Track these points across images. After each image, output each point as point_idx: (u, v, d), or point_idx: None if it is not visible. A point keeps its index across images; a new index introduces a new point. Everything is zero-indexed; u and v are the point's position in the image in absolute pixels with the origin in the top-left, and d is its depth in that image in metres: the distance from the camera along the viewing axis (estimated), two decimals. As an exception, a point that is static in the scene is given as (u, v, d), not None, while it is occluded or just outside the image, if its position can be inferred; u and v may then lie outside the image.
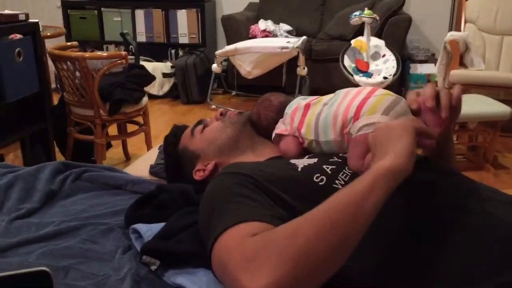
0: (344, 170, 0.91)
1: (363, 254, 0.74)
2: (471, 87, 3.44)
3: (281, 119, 1.10)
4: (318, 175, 0.89)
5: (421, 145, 0.83)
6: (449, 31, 3.89)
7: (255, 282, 0.64)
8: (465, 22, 3.87)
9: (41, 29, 2.64)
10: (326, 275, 0.68)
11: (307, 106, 1.05)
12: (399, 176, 0.73)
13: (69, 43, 3.16)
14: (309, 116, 1.03)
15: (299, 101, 1.10)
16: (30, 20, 2.50)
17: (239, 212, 0.79)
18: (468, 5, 3.89)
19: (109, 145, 3.14)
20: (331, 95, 1.04)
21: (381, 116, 0.90)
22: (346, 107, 0.95)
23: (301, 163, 0.95)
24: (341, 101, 0.98)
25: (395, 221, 0.80)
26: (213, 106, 4.36)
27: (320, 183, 0.88)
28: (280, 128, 1.08)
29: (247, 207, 0.81)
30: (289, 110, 1.09)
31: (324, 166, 0.92)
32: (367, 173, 0.73)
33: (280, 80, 4.32)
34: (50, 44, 2.95)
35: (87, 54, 2.74)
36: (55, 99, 3.15)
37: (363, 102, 0.94)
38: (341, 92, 1.02)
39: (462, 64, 3.61)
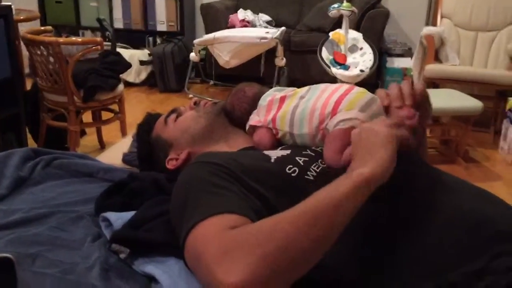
0: (316, 162, 0.92)
1: (334, 247, 0.75)
2: (445, 81, 3.50)
3: (255, 110, 1.10)
4: (291, 166, 0.90)
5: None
6: (425, 26, 3.94)
7: (230, 276, 0.65)
8: (441, 17, 3.92)
9: (14, 13, 2.58)
10: (301, 272, 0.70)
11: (283, 98, 1.05)
12: (377, 184, 0.76)
13: (43, 28, 3.10)
14: (284, 108, 1.03)
15: (273, 93, 1.10)
16: (2, 3, 2.44)
17: (216, 203, 0.79)
18: (445, 0, 3.94)
19: (83, 133, 3.09)
20: (306, 88, 1.05)
21: (358, 112, 0.92)
22: (324, 102, 0.96)
23: (274, 154, 0.96)
24: (318, 96, 0.99)
25: (367, 214, 0.81)
26: (191, 95, 4.33)
27: (292, 174, 0.89)
28: (254, 119, 1.08)
29: (223, 198, 0.81)
30: (263, 101, 1.09)
31: (296, 158, 0.93)
32: (348, 177, 0.76)
33: (258, 71, 4.32)
34: (23, 28, 2.88)
35: (61, 39, 2.69)
36: (28, 85, 3.08)
37: (341, 98, 0.95)
38: (318, 87, 1.03)
39: (437, 59, 3.66)
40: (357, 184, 0.74)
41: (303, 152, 0.95)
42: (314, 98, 0.99)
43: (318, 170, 0.90)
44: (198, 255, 0.73)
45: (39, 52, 2.65)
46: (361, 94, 0.96)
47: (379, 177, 0.76)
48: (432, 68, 3.50)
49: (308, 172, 0.89)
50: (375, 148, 0.79)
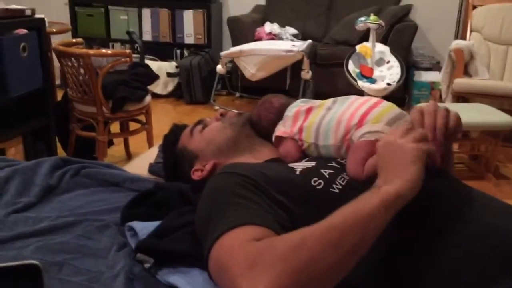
0: (341, 175, 0.91)
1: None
2: (475, 96, 3.44)
3: (281, 121, 1.10)
4: (316, 178, 0.89)
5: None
6: (454, 40, 3.89)
7: None
8: (471, 31, 3.86)
9: (47, 25, 2.65)
10: (327, 287, 0.69)
11: (309, 110, 1.05)
12: (404, 201, 0.75)
13: (74, 40, 3.17)
14: (311, 119, 1.03)
15: (299, 104, 1.10)
16: (36, 16, 2.51)
17: (241, 214, 0.79)
18: (475, 14, 3.88)
19: (111, 143, 3.14)
20: (333, 99, 1.05)
21: (385, 126, 0.91)
22: (351, 114, 0.96)
23: (299, 166, 0.95)
24: (346, 108, 0.99)
25: (391, 229, 0.80)
26: (216, 107, 4.36)
27: (317, 187, 0.88)
28: (280, 130, 1.08)
29: (249, 209, 0.80)
30: (289, 112, 1.09)
31: (322, 170, 0.92)
32: (375, 194, 0.75)
33: (284, 83, 4.32)
34: (55, 40, 2.96)
35: (91, 51, 2.75)
36: (59, 95, 3.16)
37: (368, 111, 0.95)
38: (346, 100, 1.02)
39: (466, 73, 3.60)
40: (385, 202, 0.73)
41: (328, 164, 0.95)
42: (342, 110, 0.99)
43: (343, 183, 0.89)
44: (222, 266, 0.72)
45: (70, 64, 2.72)
46: (389, 108, 0.95)
47: (407, 194, 0.75)
48: (461, 82, 3.44)
49: (334, 185, 0.88)
50: (403, 165, 0.78)
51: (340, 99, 1.04)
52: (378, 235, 0.72)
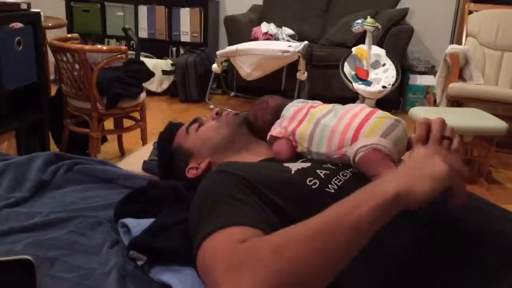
0: (337, 176, 0.91)
1: (357, 271, 0.72)
2: (469, 100, 3.45)
3: (277, 121, 1.10)
4: (311, 178, 0.89)
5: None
6: (450, 44, 3.90)
7: None
8: (467, 36, 3.88)
9: (42, 20, 2.64)
10: None
11: (306, 113, 1.05)
12: (404, 205, 0.69)
13: (70, 35, 3.16)
14: (305, 124, 1.03)
15: (296, 104, 1.10)
16: (32, 10, 2.49)
17: (230, 215, 0.78)
18: (470, 19, 3.90)
19: (104, 140, 3.13)
20: (331, 105, 1.05)
21: (380, 138, 0.91)
22: (345, 127, 0.96)
23: (295, 166, 0.95)
24: (340, 118, 0.98)
25: (392, 235, 0.78)
26: (211, 106, 4.35)
27: (313, 187, 0.88)
28: (276, 130, 1.08)
29: (239, 210, 0.80)
30: (285, 112, 1.09)
31: (317, 171, 0.92)
32: (370, 196, 0.68)
33: (280, 84, 4.32)
34: (51, 35, 2.94)
35: (87, 47, 2.73)
36: (53, 91, 3.14)
37: (363, 123, 0.94)
38: (341, 109, 1.02)
39: (461, 78, 3.61)
40: (382, 201, 0.67)
41: (324, 166, 0.95)
42: (336, 119, 0.98)
43: (339, 184, 0.89)
44: (207, 267, 0.72)
45: (65, 59, 2.70)
46: (382, 119, 0.94)
47: (410, 199, 0.69)
48: (456, 87, 3.45)
49: (329, 185, 0.88)
50: (422, 174, 0.71)
51: (336, 106, 1.04)
52: (367, 240, 0.67)
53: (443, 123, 0.89)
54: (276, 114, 1.10)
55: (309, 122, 1.02)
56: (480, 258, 0.77)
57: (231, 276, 0.66)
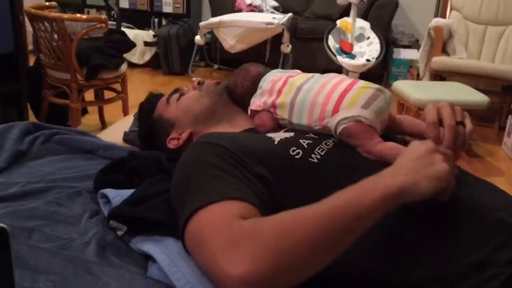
0: (320, 145, 0.91)
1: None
2: (452, 74, 3.47)
3: (256, 93, 1.07)
4: (295, 148, 0.89)
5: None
6: (434, 18, 3.90)
7: (234, 269, 0.64)
8: (451, 10, 3.88)
9: (18, -13, 2.55)
10: (306, 275, 0.68)
11: (284, 83, 1.03)
12: (405, 200, 0.72)
13: (47, 3, 3.06)
14: (284, 94, 1.01)
15: (275, 74, 1.08)
16: (7, -23, 2.40)
17: (222, 188, 0.78)
18: (455, -8, 3.90)
19: (85, 111, 3.08)
20: (309, 75, 1.03)
21: (361, 109, 0.90)
22: (325, 98, 0.94)
23: (278, 136, 0.94)
24: (320, 88, 0.96)
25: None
26: (194, 79, 4.30)
27: (296, 156, 0.87)
28: (255, 103, 1.06)
29: (228, 183, 0.79)
30: (263, 83, 1.07)
31: (300, 140, 0.91)
32: (375, 189, 0.70)
33: (264, 57, 4.29)
34: (27, 4, 2.85)
35: (65, 15, 2.66)
36: (32, 61, 3.06)
37: (343, 94, 0.93)
38: (321, 78, 1.00)
39: (444, 51, 3.62)
40: (385, 194, 0.69)
41: (306, 135, 0.94)
42: (316, 89, 0.97)
43: (322, 153, 0.89)
44: (202, 240, 0.72)
45: (43, 28, 2.63)
46: (363, 89, 0.93)
47: (410, 195, 0.71)
48: (439, 61, 3.46)
49: (312, 155, 0.88)
50: (421, 173, 0.73)
51: (316, 75, 1.02)
52: (369, 228, 0.69)
53: (452, 107, 0.89)
54: (256, 83, 1.08)
55: (289, 92, 1.00)
56: (466, 228, 0.78)
57: (231, 250, 0.66)
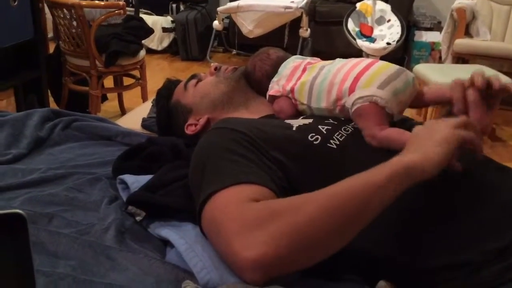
0: (339, 131, 0.89)
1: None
2: (475, 57, 3.39)
3: (274, 79, 1.06)
4: (313, 134, 0.88)
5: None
6: (457, -1, 3.80)
7: (248, 250, 0.65)
8: (474, -10, 3.77)
9: (37, -26, 2.56)
10: (320, 257, 0.68)
11: (304, 70, 1.02)
12: (421, 177, 0.71)
13: (66, -10, 3.07)
14: (303, 79, 1.00)
15: (294, 60, 1.06)
16: (26, -36, 2.41)
17: (237, 172, 0.78)
18: (479, -28, 3.78)
19: (104, 98, 3.10)
20: (329, 61, 1.01)
21: (377, 90, 0.88)
22: (343, 77, 0.92)
23: (296, 122, 0.93)
24: (338, 69, 0.95)
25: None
26: (212, 64, 4.29)
27: (314, 142, 0.86)
28: (274, 89, 1.05)
29: (244, 167, 0.79)
30: (283, 69, 1.05)
31: (319, 126, 0.90)
32: (387, 165, 0.71)
33: (282, 41, 4.25)
34: (47, -9, 2.87)
35: (83, 2, 2.66)
36: (52, 48, 3.08)
37: (361, 73, 0.91)
38: (340, 60, 0.99)
39: (467, 34, 3.54)
40: (394, 173, 0.69)
41: (325, 121, 0.93)
42: (334, 70, 0.95)
43: (341, 139, 0.87)
44: (217, 224, 0.72)
45: (62, 15, 2.64)
46: (381, 69, 0.91)
47: (419, 170, 0.71)
48: (462, 43, 3.38)
49: (331, 141, 0.87)
50: (430, 143, 0.74)
51: (336, 60, 1.00)
52: (384, 207, 0.69)
53: (483, 74, 0.88)
54: (275, 67, 1.07)
55: (307, 78, 0.99)
56: (487, 215, 0.77)
57: (245, 233, 0.67)
